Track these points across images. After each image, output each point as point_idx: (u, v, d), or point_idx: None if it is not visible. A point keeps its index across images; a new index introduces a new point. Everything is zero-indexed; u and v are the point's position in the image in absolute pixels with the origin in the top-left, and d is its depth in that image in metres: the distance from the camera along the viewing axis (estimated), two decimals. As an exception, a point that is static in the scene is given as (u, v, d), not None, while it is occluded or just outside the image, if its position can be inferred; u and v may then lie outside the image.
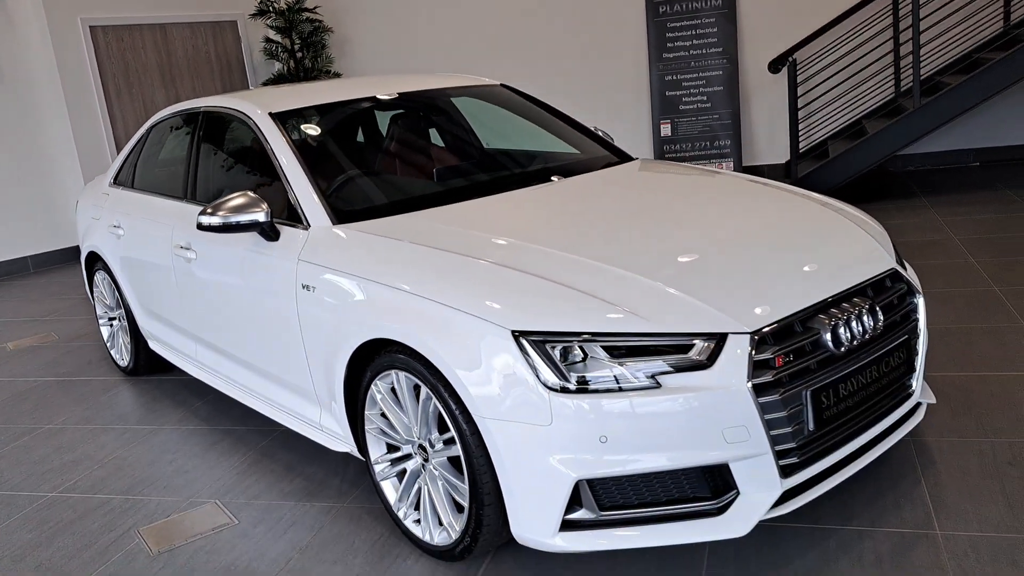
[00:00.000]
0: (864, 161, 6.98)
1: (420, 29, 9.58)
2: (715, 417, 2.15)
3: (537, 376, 2.17)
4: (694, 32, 8.71)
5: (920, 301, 2.69)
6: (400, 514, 2.70)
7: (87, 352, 5.28)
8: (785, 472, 2.26)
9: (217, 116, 3.78)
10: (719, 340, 2.20)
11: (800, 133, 8.33)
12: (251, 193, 3.06)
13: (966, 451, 2.88)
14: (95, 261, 4.71)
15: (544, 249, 2.53)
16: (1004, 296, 4.37)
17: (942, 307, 4.32)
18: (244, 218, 2.99)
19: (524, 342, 2.20)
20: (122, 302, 4.49)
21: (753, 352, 2.19)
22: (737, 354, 2.18)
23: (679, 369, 2.17)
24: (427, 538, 2.59)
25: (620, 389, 2.15)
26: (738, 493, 2.25)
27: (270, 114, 3.41)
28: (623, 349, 2.19)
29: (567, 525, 2.22)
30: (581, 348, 2.19)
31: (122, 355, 4.73)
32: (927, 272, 4.95)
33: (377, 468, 2.76)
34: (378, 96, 3.69)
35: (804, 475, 2.30)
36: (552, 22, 9.12)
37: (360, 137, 3.63)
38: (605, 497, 2.22)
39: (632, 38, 8.92)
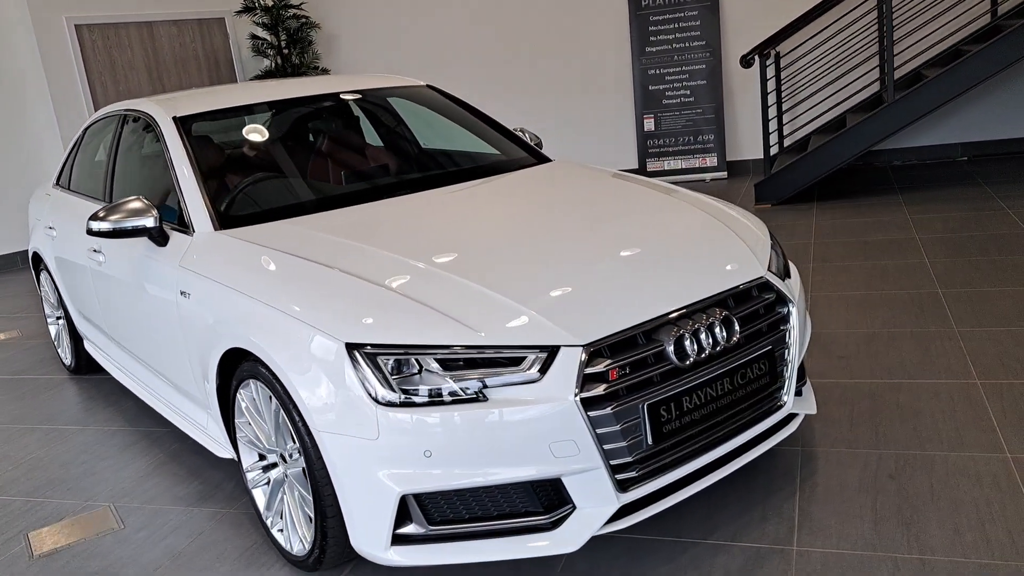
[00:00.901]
0: (841, 156, 6.84)
1: (405, 25, 9.56)
2: (542, 431, 2.12)
3: (366, 389, 2.15)
4: (677, 25, 8.59)
5: (793, 310, 2.63)
6: (268, 522, 2.70)
7: (41, 350, 5.36)
8: (622, 486, 2.22)
9: (134, 119, 3.80)
10: (551, 353, 2.16)
11: (785, 126, 8.20)
12: (143, 199, 3.07)
13: (852, 463, 2.82)
14: (39, 261, 4.77)
15: (400, 258, 2.50)
16: (945, 299, 4.27)
17: (877, 310, 4.23)
18: (132, 223, 3.01)
19: (356, 354, 2.18)
20: (60, 302, 4.55)
21: (584, 365, 2.15)
22: (567, 367, 2.15)
23: (510, 383, 2.14)
24: (288, 547, 2.59)
25: (445, 402, 2.12)
26: (573, 507, 2.22)
27: (173, 118, 3.42)
28: (457, 362, 2.16)
29: (400, 539, 2.21)
30: (417, 361, 2.17)
31: (66, 354, 4.80)
32: (877, 272, 4.84)
33: (249, 476, 2.76)
34: (289, 98, 3.69)
35: (644, 490, 2.25)
36: (535, 18, 9.05)
37: (269, 141, 3.62)
38: (435, 511, 2.20)
39: (615, 32, 8.82)
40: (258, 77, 9.67)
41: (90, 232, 3.04)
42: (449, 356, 2.15)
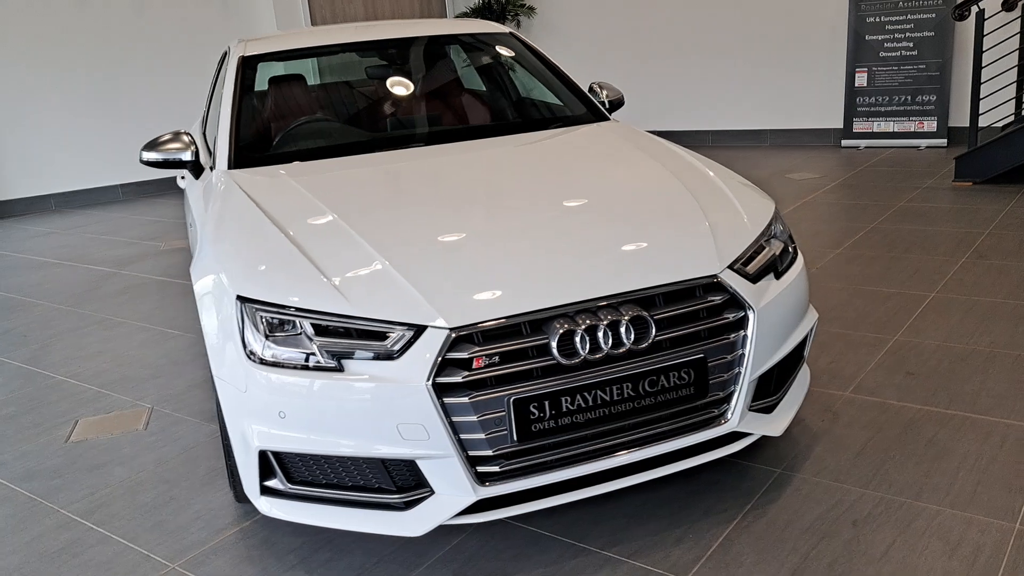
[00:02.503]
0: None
1: (612, -38, 9.24)
2: (390, 411, 2.05)
3: (243, 343, 2.21)
4: (905, -33, 7.53)
5: (751, 317, 2.29)
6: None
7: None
8: (482, 479, 2.11)
9: (223, 59, 4.07)
10: (417, 332, 2.08)
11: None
12: (186, 134, 3.31)
13: (823, 498, 2.44)
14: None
15: (335, 218, 2.49)
16: (1094, 321, 3.49)
17: (999, 324, 3.55)
18: (169, 156, 3.26)
19: (243, 308, 2.23)
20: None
21: (446, 349, 2.04)
22: (428, 349, 2.05)
23: (368, 357, 2.09)
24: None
25: (306, 367, 2.12)
26: (432, 492, 2.14)
27: (240, 58, 3.61)
28: (327, 329, 2.14)
29: (268, 491, 2.26)
30: (297, 322, 2.17)
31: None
32: (984, 273, 4.05)
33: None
34: (359, 41, 3.75)
35: (508, 487, 2.12)
36: (746, -45, 8.35)
37: (323, 84, 3.72)
38: (294, 471, 2.22)
39: (832, -26, 7.92)
40: (463, 15, 9.85)
41: (141, 160, 3.34)
42: (320, 322, 2.14)
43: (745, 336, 2.29)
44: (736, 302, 2.29)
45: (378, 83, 3.77)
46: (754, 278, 2.37)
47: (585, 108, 3.63)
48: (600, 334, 2.11)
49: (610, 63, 9.54)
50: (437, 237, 2.36)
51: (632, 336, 2.13)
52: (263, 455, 2.20)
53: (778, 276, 2.46)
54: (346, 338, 2.12)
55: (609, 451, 2.19)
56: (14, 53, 8.19)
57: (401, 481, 2.16)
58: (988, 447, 2.63)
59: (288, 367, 2.14)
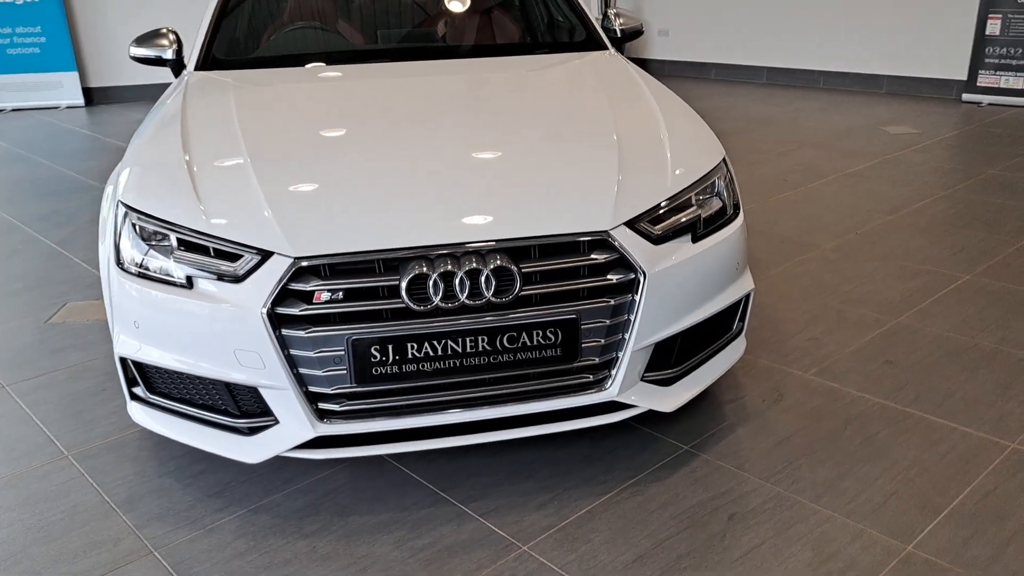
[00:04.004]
0: None
1: None
2: (228, 335, 2.01)
3: (117, 248, 2.20)
4: (1063, -101, 6.56)
5: (642, 281, 2.08)
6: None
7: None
8: (321, 416, 2.05)
9: None
10: (264, 257, 2.00)
11: None
12: (171, 32, 3.32)
13: (712, 485, 2.24)
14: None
15: (240, 133, 2.43)
16: None
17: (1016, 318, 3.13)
18: (151, 52, 3.28)
19: (122, 214, 2.22)
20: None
21: (287, 278, 1.96)
22: (269, 276, 1.98)
23: (214, 278, 2.04)
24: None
25: (158, 280, 2.10)
26: (276, 422, 2.10)
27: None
28: (190, 244, 2.09)
29: (136, 398, 2.28)
30: (169, 236, 2.13)
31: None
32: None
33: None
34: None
35: (347, 427, 2.06)
36: None
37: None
38: (154, 382, 2.23)
39: (977, -97, 7.01)
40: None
41: (131, 56, 3.37)
42: (182, 236, 2.10)
43: (633, 301, 2.09)
44: (626, 263, 2.08)
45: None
46: (658, 239, 2.15)
47: (585, 35, 3.38)
48: (456, 282, 1.97)
49: (722, -10, 8.93)
50: (328, 167, 2.26)
51: (493, 288, 1.98)
52: (123, 362, 2.22)
53: (696, 239, 2.23)
54: (204, 256, 2.07)
55: (464, 404, 2.08)
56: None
57: (246, 407, 2.13)
58: (928, 456, 2.34)
59: (144, 278, 2.12)
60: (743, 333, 2.51)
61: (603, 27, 3.53)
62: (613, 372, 2.14)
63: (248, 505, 2.23)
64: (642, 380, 2.22)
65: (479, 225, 2.04)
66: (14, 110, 8.69)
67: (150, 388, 2.24)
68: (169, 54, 3.26)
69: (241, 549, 2.07)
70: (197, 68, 3.11)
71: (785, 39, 8.56)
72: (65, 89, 8.84)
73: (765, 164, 5.61)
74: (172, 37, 3.30)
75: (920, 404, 2.60)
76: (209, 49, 3.18)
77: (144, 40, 3.33)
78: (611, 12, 3.58)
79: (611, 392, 2.15)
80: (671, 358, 2.28)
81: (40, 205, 5.18)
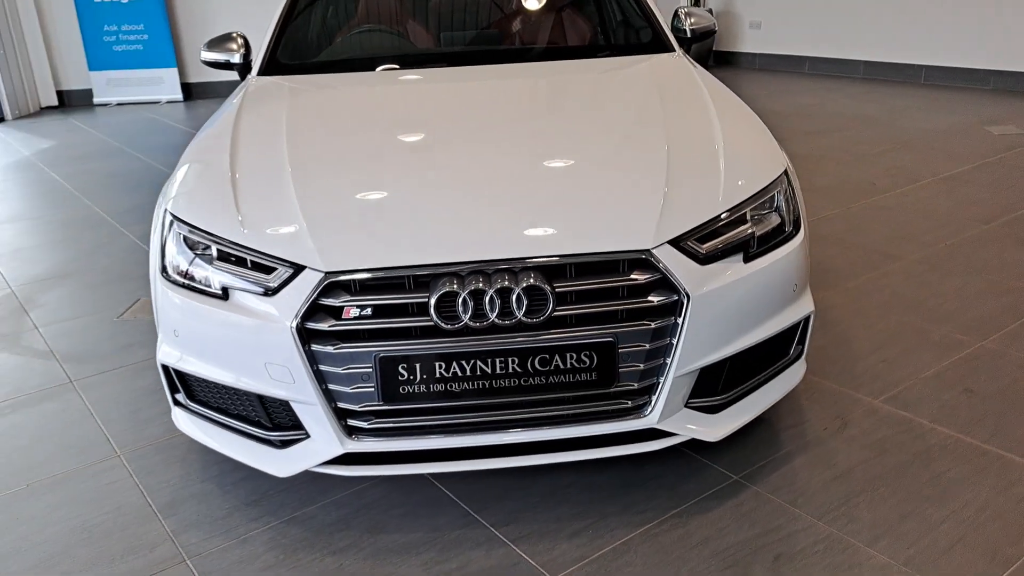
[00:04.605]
0: None
1: None
2: (260, 348, 2.00)
3: (163, 256, 2.23)
4: None
5: (687, 305, 1.97)
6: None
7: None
8: (350, 432, 2.02)
9: None
10: (296, 271, 1.98)
11: None
12: (240, 36, 3.36)
13: (760, 521, 2.11)
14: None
15: (280, 147, 2.40)
16: None
17: None
18: (220, 56, 3.32)
19: (170, 223, 2.24)
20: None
21: (317, 293, 1.94)
22: (300, 290, 1.96)
23: (250, 290, 2.03)
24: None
25: (197, 290, 2.10)
26: (307, 436, 2.09)
27: (306, -40, 3.57)
28: (228, 256, 2.09)
29: (179, 404, 2.30)
30: (211, 246, 2.14)
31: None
32: None
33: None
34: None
35: (376, 445, 2.02)
36: None
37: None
38: (195, 390, 2.24)
39: None
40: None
41: (202, 60, 3.43)
42: (222, 248, 2.10)
43: (676, 324, 1.98)
44: (668, 284, 1.97)
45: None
46: (706, 258, 2.03)
47: (652, 35, 3.25)
48: (486, 301, 1.90)
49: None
50: (367, 179, 2.23)
51: (524, 307, 1.91)
52: (165, 369, 2.24)
53: (748, 258, 2.09)
54: (241, 267, 2.07)
55: (494, 426, 2.01)
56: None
57: (279, 419, 2.12)
58: (1002, 499, 2.15)
59: (184, 288, 2.13)
60: (803, 357, 2.36)
61: (673, 27, 3.39)
62: (653, 398, 2.04)
63: (283, 516, 2.23)
64: (686, 407, 2.11)
65: (511, 242, 1.97)
66: (119, 104, 9.07)
67: (190, 396, 2.26)
68: (236, 58, 3.30)
69: (271, 562, 2.06)
70: (260, 73, 3.13)
71: (884, 31, 8.13)
72: (165, 84, 9.18)
73: (856, 166, 5.33)
74: (240, 41, 3.33)
75: (998, 440, 2.40)
76: (273, 54, 3.20)
77: (214, 44, 3.38)
78: (682, 11, 3.43)
79: (651, 419, 2.04)
80: (719, 384, 2.15)
81: (128, 199, 5.37)
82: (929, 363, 2.83)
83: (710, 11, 9.27)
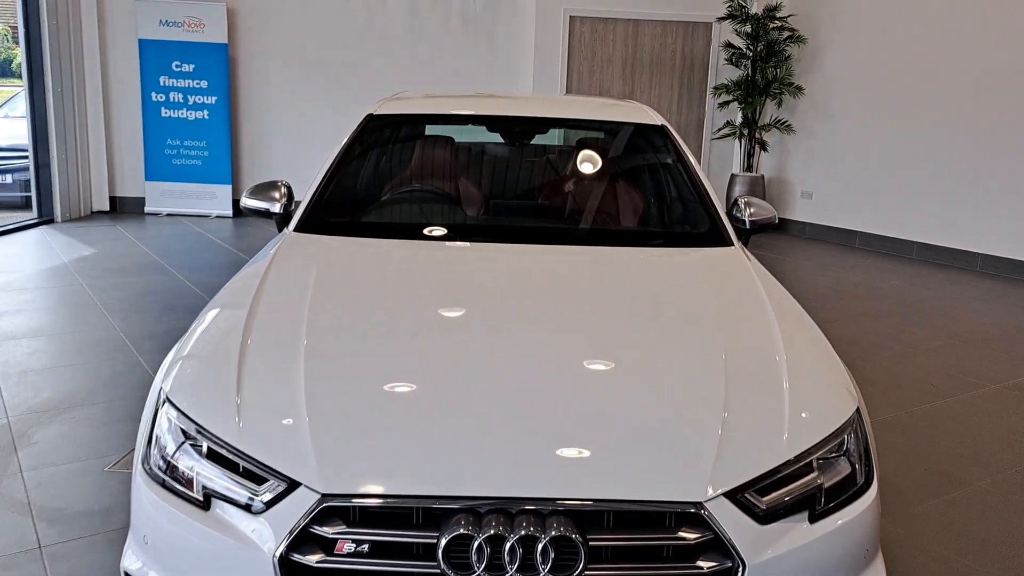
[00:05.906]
0: None
1: (896, 44, 8.21)
2: (232, 572, 1.71)
3: (149, 445, 1.98)
4: None
5: (741, 573, 1.66)
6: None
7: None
8: None
9: None
10: (290, 487, 1.72)
11: None
12: (284, 184, 3.23)
13: None
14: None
15: (295, 331, 2.16)
16: None
17: None
18: (261, 204, 3.18)
19: (160, 401, 2.01)
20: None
21: (310, 518, 1.67)
22: (291, 512, 1.69)
23: (235, 502, 1.76)
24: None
25: (174, 493, 1.84)
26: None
27: (368, 115, 3.49)
28: (220, 457, 1.84)
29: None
30: (203, 442, 1.89)
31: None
32: None
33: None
34: (487, 115, 3.49)
35: None
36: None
37: (441, 154, 3.47)
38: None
39: None
40: (723, 87, 9.27)
41: (243, 208, 3.29)
42: (214, 446, 1.85)
43: (725, 598, 1.67)
44: (721, 546, 1.67)
45: (492, 161, 3.47)
46: (766, 516, 1.73)
47: (709, 227, 3.06)
48: (505, 550, 1.62)
49: (875, 156, 8.48)
50: (389, 373, 1.99)
51: (551, 563, 1.61)
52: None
53: (814, 517, 1.79)
54: (231, 472, 1.81)
55: None
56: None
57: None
58: None
59: (164, 487, 1.86)
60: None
61: (731, 215, 3.20)
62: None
63: None
64: None
65: (541, 477, 1.70)
66: (168, 215, 9.15)
67: (155, 607, 1.96)
68: (277, 207, 3.16)
69: None
70: (296, 229, 2.97)
71: (939, 215, 7.97)
72: (218, 200, 9.26)
73: (911, 360, 5.02)
74: (284, 191, 3.21)
75: None
76: (314, 210, 3.05)
77: (257, 191, 3.26)
78: (742, 200, 3.25)
79: None
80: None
81: (154, 322, 5.22)
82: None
83: (762, 177, 9.25)
